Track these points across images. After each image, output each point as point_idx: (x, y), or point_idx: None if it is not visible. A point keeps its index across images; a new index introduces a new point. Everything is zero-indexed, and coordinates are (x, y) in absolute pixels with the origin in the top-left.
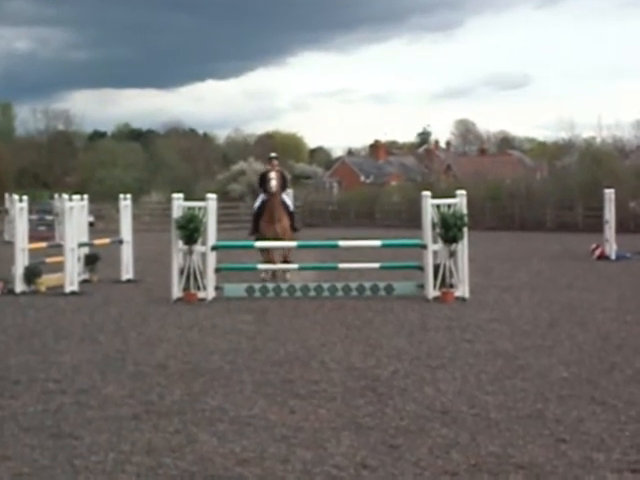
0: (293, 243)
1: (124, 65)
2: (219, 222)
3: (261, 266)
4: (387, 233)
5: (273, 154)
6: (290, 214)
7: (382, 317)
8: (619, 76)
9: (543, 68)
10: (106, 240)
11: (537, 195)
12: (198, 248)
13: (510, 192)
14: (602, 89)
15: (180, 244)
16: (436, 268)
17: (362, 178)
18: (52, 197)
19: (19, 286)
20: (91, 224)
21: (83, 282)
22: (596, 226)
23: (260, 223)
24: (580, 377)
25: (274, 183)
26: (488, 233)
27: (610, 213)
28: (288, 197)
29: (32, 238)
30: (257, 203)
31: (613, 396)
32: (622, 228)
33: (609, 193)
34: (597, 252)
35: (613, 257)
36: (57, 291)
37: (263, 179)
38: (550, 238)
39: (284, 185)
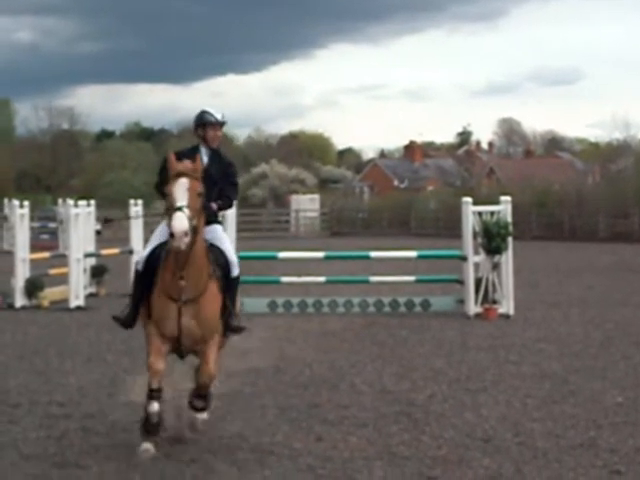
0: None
1: (134, 58)
2: (238, 230)
3: (285, 279)
4: (423, 243)
5: (209, 112)
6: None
7: (418, 335)
8: None
9: (595, 62)
10: (115, 250)
11: (589, 201)
12: None
13: (559, 198)
14: None
15: None
16: (477, 282)
17: (396, 182)
18: (55, 202)
19: (19, 300)
20: (98, 232)
21: (89, 296)
22: None
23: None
24: (636, 402)
25: (179, 228)
26: (535, 243)
27: None
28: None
29: (34, 247)
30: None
31: None
32: None
33: None
34: None
35: None
36: (61, 306)
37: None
38: (603, 249)
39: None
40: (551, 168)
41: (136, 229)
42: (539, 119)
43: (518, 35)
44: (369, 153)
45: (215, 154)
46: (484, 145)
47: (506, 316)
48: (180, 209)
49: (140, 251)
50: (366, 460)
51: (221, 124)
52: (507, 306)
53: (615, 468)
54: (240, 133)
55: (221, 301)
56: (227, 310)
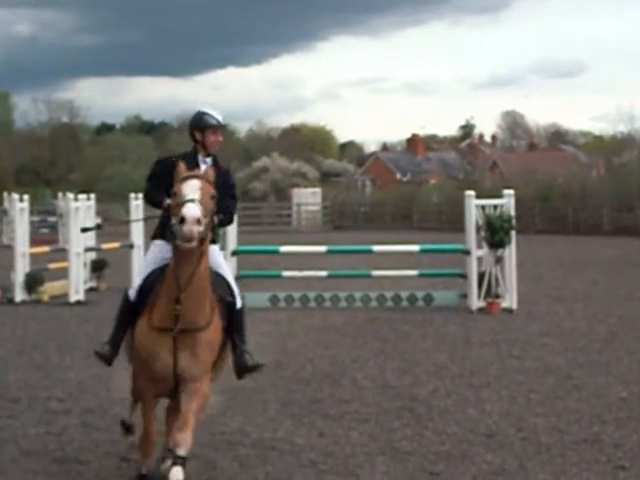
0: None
1: (134, 51)
2: (239, 224)
3: (287, 273)
4: (426, 237)
5: (209, 114)
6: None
7: (420, 330)
8: None
9: (599, 54)
10: (115, 244)
11: (593, 195)
12: None
13: (563, 191)
14: None
15: None
16: (480, 276)
17: (398, 176)
18: (55, 196)
19: (19, 295)
20: (98, 226)
21: (90, 290)
22: None
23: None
24: None
25: (191, 213)
26: (538, 237)
27: None
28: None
29: (33, 242)
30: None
31: None
32: None
33: None
34: None
35: None
36: (61, 300)
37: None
38: (607, 243)
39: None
40: (555, 161)
41: (136, 223)
42: (543, 112)
43: (521, 27)
44: (371, 146)
45: (214, 162)
46: (487, 138)
47: (509, 310)
48: (191, 201)
49: (141, 245)
50: (368, 455)
51: (222, 127)
52: (510, 300)
53: (619, 463)
54: (241, 126)
55: (224, 337)
56: (238, 349)
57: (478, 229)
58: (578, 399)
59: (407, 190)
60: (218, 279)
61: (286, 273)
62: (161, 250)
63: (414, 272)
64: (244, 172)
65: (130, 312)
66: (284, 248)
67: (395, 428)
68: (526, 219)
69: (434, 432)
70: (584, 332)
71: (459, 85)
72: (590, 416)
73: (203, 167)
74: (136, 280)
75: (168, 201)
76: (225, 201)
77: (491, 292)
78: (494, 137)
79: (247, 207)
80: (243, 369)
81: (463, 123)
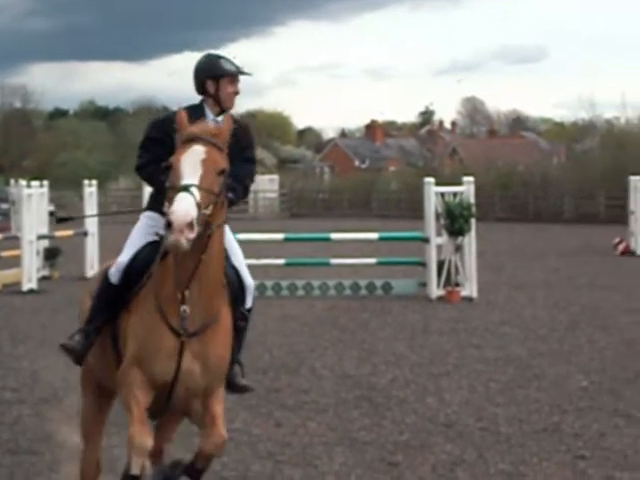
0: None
1: (88, 35)
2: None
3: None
4: (385, 225)
5: (226, 59)
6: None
7: (379, 319)
8: None
9: (561, 40)
10: (69, 232)
11: (554, 182)
12: None
13: (523, 179)
14: (627, 64)
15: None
16: (440, 264)
17: (357, 163)
18: (7, 183)
19: None
20: (51, 214)
21: (43, 279)
22: (620, 217)
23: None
24: (601, 387)
25: (181, 217)
26: (498, 225)
27: (636, 203)
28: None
29: None
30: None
31: (638, 408)
32: None
33: (635, 181)
34: (621, 247)
35: (639, 252)
36: (13, 289)
37: (160, 144)
38: (568, 231)
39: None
40: (515, 148)
41: (90, 210)
42: (503, 98)
43: (482, 12)
44: (329, 133)
45: (229, 120)
46: (447, 125)
47: (469, 299)
48: (186, 189)
49: (95, 233)
50: (326, 446)
51: (244, 74)
52: (470, 289)
53: (579, 453)
54: None
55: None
56: (232, 360)
57: (437, 217)
58: (538, 388)
59: (366, 177)
60: (227, 268)
61: (334, 261)
62: (152, 223)
63: (373, 260)
64: None
65: (112, 298)
66: (241, 236)
67: (353, 418)
68: (486, 207)
69: (393, 422)
70: (545, 321)
71: (419, 71)
72: (550, 406)
73: (190, 151)
74: (121, 258)
75: (168, 184)
76: (241, 170)
77: (451, 280)
78: (454, 124)
79: None
80: (230, 384)
81: (422, 110)
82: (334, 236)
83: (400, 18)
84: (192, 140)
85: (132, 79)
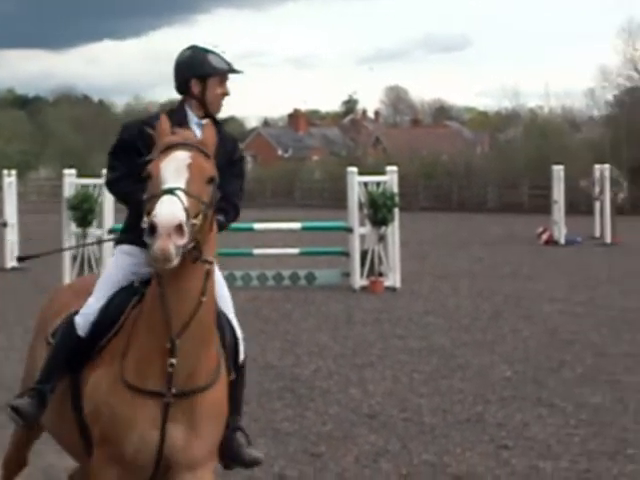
0: None
1: (6, 22)
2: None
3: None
4: (308, 214)
5: (216, 54)
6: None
7: (302, 309)
8: (570, 39)
9: (485, 29)
10: None
11: (477, 172)
12: (93, 231)
13: (447, 168)
14: (550, 53)
15: (73, 227)
16: (363, 254)
17: (280, 152)
18: None
19: None
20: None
21: None
22: (543, 207)
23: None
24: (525, 376)
25: (166, 218)
26: (422, 214)
27: (559, 192)
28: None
29: None
30: (105, 288)
31: (562, 397)
32: (572, 209)
33: (558, 170)
34: (544, 236)
35: (562, 241)
36: None
37: (134, 150)
38: (492, 220)
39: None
40: (439, 137)
41: (10, 198)
42: (427, 87)
43: (407, 0)
44: (252, 122)
45: (215, 126)
46: (370, 114)
47: (392, 289)
48: (171, 192)
49: (14, 223)
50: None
51: (236, 72)
52: (394, 279)
53: (502, 443)
54: (118, 101)
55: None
56: (231, 425)
57: (361, 206)
58: (462, 379)
59: (289, 166)
60: (220, 317)
61: (257, 251)
62: (130, 261)
63: (296, 250)
64: None
65: (75, 352)
66: (258, 225)
67: (276, 409)
68: (410, 196)
69: (316, 413)
70: (468, 310)
71: (342, 60)
72: (474, 396)
73: (198, 134)
74: (90, 305)
75: (146, 196)
76: (229, 187)
77: (374, 270)
78: (377, 113)
79: None
80: (234, 457)
81: (346, 99)
82: (257, 226)
83: (324, 6)
84: (173, 147)
85: (52, 67)
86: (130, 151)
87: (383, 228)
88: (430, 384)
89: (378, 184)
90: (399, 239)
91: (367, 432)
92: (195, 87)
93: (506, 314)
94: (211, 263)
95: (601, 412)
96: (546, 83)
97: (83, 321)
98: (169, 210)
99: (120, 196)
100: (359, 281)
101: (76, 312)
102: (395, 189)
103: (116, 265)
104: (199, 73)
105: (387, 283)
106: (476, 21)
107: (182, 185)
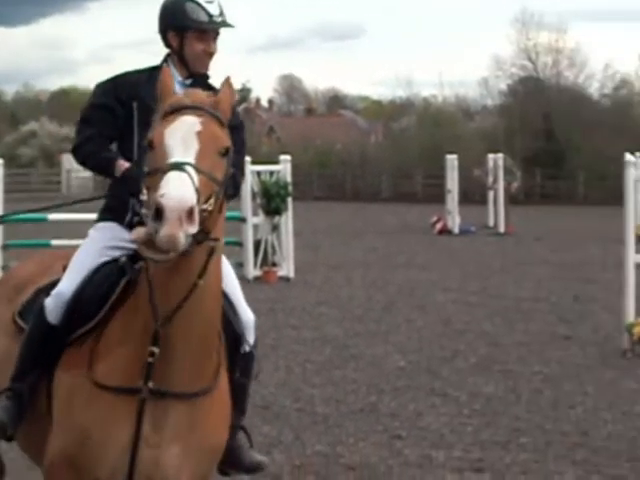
0: None
1: None
2: (6, 192)
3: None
4: None
5: (198, 2)
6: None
7: None
8: (464, 28)
9: (378, 17)
10: None
11: (371, 161)
12: None
13: (341, 158)
14: (444, 42)
15: None
16: (257, 244)
17: None
18: None
19: None
20: None
21: None
22: (437, 196)
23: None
24: (419, 366)
25: (174, 202)
26: (316, 204)
27: (453, 182)
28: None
29: None
30: (81, 267)
31: (455, 387)
32: (466, 199)
33: (451, 159)
34: (438, 225)
35: (456, 231)
36: None
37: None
38: (386, 210)
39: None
40: (333, 127)
41: None
42: (321, 76)
43: None
44: None
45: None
46: (264, 103)
47: (286, 279)
48: (179, 167)
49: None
50: None
51: (219, 27)
52: (287, 269)
53: (396, 433)
54: (7, 89)
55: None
56: (233, 428)
57: (254, 196)
58: (355, 369)
59: None
60: (227, 307)
61: (55, 242)
62: (110, 236)
63: None
64: (11, 137)
65: (50, 341)
66: (53, 216)
67: None
68: (303, 186)
69: None
70: (362, 301)
71: (235, 47)
72: (367, 386)
73: (177, 130)
74: (62, 287)
75: (126, 164)
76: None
77: (267, 260)
78: (271, 102)
79: (14, 174)
80: (232, 461)
81: (239, 87)
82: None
83: None
84: (180, 110)
85: None
86: (104, 115)
87: (276, 218)
88: (323, 374)
89: (271, 173)
90: (293, 229)
91: (260, 423)
92: (173, 40)
93: (400, 304)
94: (217, 240)
95: (494, 402)
96: (440, 72)
97: (54, 306)
98: (180, 191)
99: (85, 158)
100: (252, 271)
101: (46, 292)
102: (289, 178)
103: (91, 243)
104: (174, 24)
105: (281, 273)
106: (370, 10)
107: (192, 159)
